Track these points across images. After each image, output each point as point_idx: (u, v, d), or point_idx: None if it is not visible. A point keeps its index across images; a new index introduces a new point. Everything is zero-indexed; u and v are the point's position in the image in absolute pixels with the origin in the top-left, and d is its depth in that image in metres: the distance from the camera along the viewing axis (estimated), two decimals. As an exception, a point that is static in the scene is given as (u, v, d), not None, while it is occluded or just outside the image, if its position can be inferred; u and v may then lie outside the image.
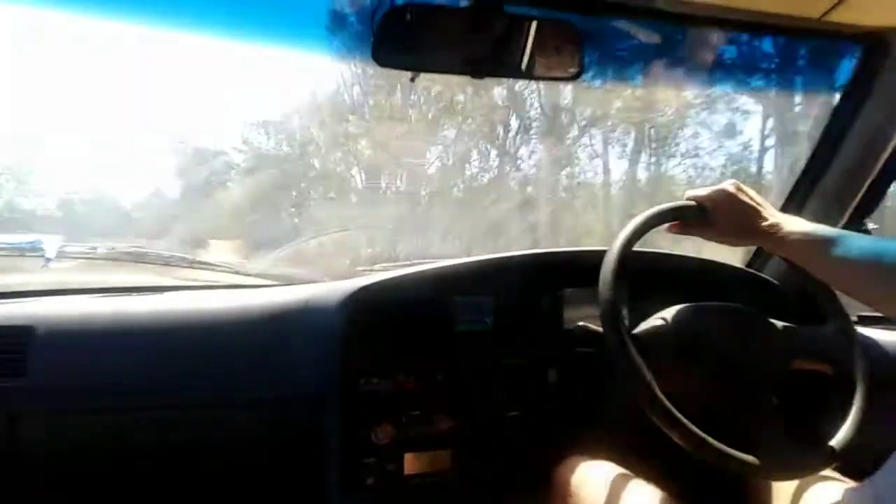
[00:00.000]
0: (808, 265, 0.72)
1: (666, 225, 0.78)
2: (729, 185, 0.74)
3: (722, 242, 0.79)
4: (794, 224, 0.71)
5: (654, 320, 0.77)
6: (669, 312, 0.77)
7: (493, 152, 3.32)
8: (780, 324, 0.78)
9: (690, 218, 0.77)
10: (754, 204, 0.73)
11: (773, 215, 0.73)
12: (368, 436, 0.94)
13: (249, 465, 0.96)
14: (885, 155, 1.04)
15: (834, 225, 1.09)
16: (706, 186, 0.76)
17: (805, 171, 1.15)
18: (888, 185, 1.09)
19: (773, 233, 0.71)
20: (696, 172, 3.18)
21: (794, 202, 1.16)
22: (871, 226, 1.12)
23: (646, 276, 0.88)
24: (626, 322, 0.71)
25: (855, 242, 0.67)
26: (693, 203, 0.76)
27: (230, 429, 0.94)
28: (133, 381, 0.90)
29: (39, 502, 0.92)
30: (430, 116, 3.21)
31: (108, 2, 1.42)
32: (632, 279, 0.73)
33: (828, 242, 0.68)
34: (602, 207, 3.35)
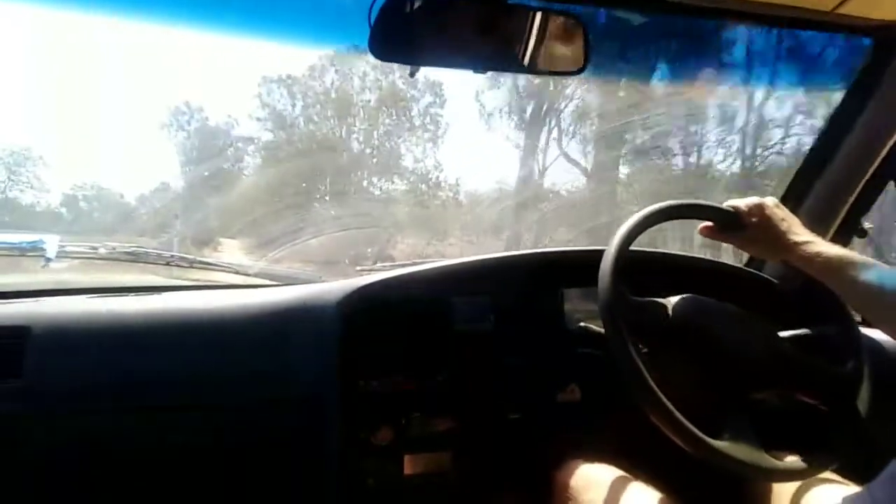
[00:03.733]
0: (834, 286, 0.73)
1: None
2: (768, 200, 0.79)
3: (749, 251, 0.83)
4: (825, 245, 0.74)
5: (655, 301, 0.77)
6: (670, 301, 0.77)
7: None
8: (786, 333, 0.78)
9: (679, 217, 0.80)
10: (788, 220, 0.77)
11: (805, 233, 0.76)
12: (368, 437, 0.93)
13: (249, 466, 0.95)
14: (885, 152, 1.03)
15: (830, 222, 1.08)
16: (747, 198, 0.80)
17: (805, 166, 1.13)
18: (885, 183, 1.07)
19: (802, 250, 0.74)
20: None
21: (792, 196, 1.14)
22: (867, 225, 1.11)
23: (646, 275, 0.87)
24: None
25: (886, 273, 0.68)
26: (682, 202, 0.79)
27: (229, 429, 0.93)
28: (131, 382, 0.89)
29: (37, 503, 0.91)
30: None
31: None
32: (632, 278, 0.72)
33: (858, 268, 0.69)
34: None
